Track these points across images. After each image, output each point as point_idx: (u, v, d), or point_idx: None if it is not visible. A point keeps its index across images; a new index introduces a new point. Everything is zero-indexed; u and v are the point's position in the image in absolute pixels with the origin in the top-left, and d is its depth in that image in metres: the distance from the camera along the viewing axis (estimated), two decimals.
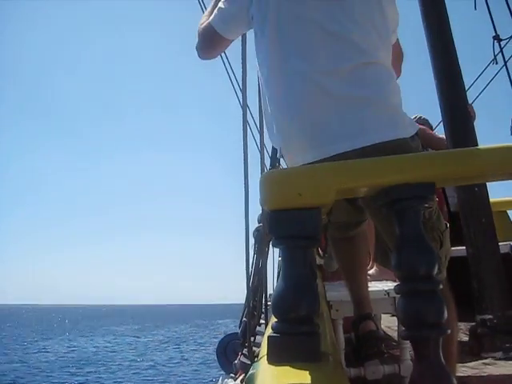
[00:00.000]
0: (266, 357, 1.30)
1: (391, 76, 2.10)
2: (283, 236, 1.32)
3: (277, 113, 2.12)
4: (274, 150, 4.21)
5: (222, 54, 4.49)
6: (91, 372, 24.22)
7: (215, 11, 2.33)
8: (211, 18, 2.35)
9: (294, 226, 1.29)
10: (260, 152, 3.17)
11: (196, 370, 24.59)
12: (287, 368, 1.20)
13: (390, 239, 1.98)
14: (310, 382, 1.09)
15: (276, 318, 1.33)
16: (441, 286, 1.32)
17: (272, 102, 2.16)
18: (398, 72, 2.44)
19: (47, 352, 33.99)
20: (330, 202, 1.32)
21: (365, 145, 1.92)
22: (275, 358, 1.26)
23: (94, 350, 35.58)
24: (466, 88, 4.09)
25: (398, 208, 1.34)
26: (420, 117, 5.91)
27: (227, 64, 4.86)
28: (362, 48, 2.05)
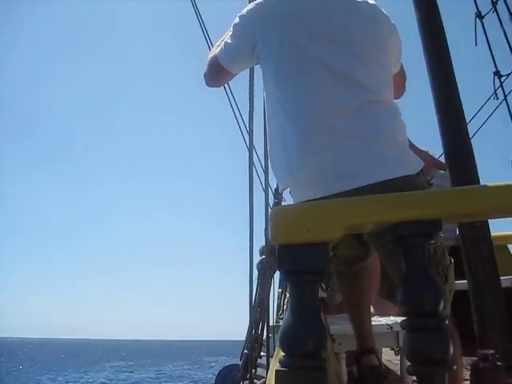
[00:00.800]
0: None
1: (396, 113, 2.13)
2: (292, 271, 1.34)
3: (284, 149, 2.14)
4: (277, 189, 4.25)
5: (230, 95, 4.57)
6: None
7: (222, 45, 2.38)
8: (217, 51, 2.40)
9: (303, 261, 1.31)
10: (264, 191, 3.19)
11: None
12: None
13: (396, 274, 2.00)
14: None
15: (284, 351, 1.34)
16: (446, 322, 1.33)
17: (279, 139, 2.18)
18: (402, 88, 2.50)
19: None
20: (339, 237, 1.34)
21: (371, 182, 1.94)
22: None
23: None
24: (467, 121, 4.11)
25: (404, 244, 1.35)
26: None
27: (234, 106, 4.89)
28: (368, 86, 2.08)
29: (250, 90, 3.15)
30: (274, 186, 4.26)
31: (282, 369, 1.30)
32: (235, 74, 2.57)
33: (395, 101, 2.24)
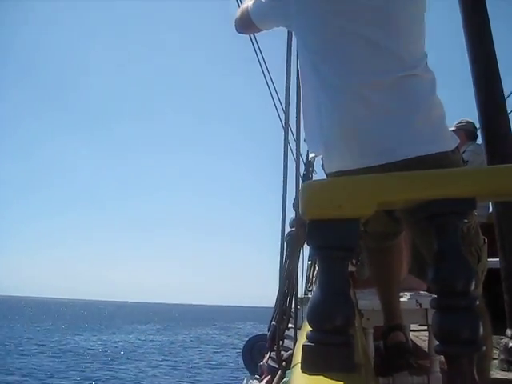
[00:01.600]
0: (299, 365, 1.30)
1: (433, 88, 2.09)
2: (321, 246, 1.33)
3: (319, 120, 2.13)
4: (308, 161, 4.23)
5: (265, 71, 4.61)
6: (120, 367, 24.48)
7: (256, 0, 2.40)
8: (250, 4, 2.43)
9: (333, 237, 1.30)
10: (296, 161, 3.17)
11: (219, 371, 24.64)
12: (321, 378, 1.21)
13: (428, 252, 1.98)
14: None
15: (311, 327, 1.33)
16: (477, 302, 1.31)
17: (314, 109, 2.17)
18: None
19: (77, 346, 34.52)
20: (370, 213, 1.32)
21: (405, 157, 1.92)
22: (309, 367, 1.27)
23: (120, 346, 35.92)
24: (506, 96, 4.04)
25: (437, 222, 1.33)
26: (468, 121, 5.85)
27: (269, 80, 4.87)
28: (405, 60, 2.05)
29: (287, 65, 3.13)
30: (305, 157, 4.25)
31: (309, 344, 1.29)
32: (264, 29, 2.61)
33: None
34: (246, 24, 2.53)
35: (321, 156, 2.24)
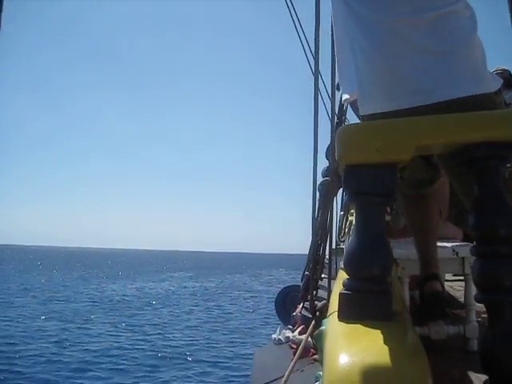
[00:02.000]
0: (336, 313, 1.29)
1: (474, 27, 2.01)
2: (359, 192, 1.30)
3: (353, 58, 2.07)
4: (341, 107, 4.16)
5: (295, 19, 4.50)
6: (154, 313, 25.11)
7: None
8: None
9: (371, 183, 1.26)
10: (331, 105, 3.13)
11: (251, 316, 25.01)
12: (358, 326, 1.19)
13: (468, 199, 1.92)
14: (382, 340, 1.08)
15: (348, 275, 1.31)
16: None
17: (348, 47, 2.11)
18: None
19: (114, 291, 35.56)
20: (408, 158, 1.28)
21: (446, 99, 1.85)
22: (346, 316, 1.25)
23: (154, 292, 36.73)
24: None
25: (478, 167, 1.29)
26: (504, 69, 5.71)
27: (300, 29, 4.77)
28: None
29: (316, 6, 3.05)
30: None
31: (346, 292, 1.27)
32: None
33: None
34: None
35: (354, 99, 2.18)
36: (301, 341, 3.37)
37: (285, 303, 6.70)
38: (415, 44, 1.91)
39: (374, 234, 1.28)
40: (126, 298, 31.54)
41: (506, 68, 5.57)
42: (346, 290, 1.28)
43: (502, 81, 2.01)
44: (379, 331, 1.13)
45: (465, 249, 2.70)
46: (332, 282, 2.84)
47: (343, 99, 2.23)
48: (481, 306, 2.74)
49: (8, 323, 19.42)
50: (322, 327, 1.42)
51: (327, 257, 3.38)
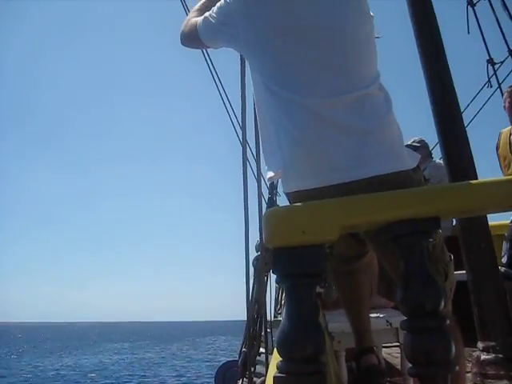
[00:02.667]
0: None
1: (389, 107, 2.09)
2: (287, 274, 1.31)
3: (276, 139, 2.11)
4: (272, 183, 4.21)
5: (221, 91, 4.60)
6: None
7: (205, 16, 2.35)
8: (199, 21, 2.38)
9: (299, 264, 1.28)
10: (257, 183, 3.16)
11: None
12: None
13: (395, 273, 1.96)
14: None
15: (281, 356, 1.31)
16: (447, 322, 1.30)
17: (270, 129, 2.15)
18: None
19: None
20: (334, 238, 1.30)
21: (366, 176, 1.91)
22: None
23: (92, 365, 35.94)
24: (462, 110, 4.08)
25: (402, 243, 1.32)
26: (421, 139, 5.91)
27: (226, 101, 4.86)
28: (358, 79, 2.05)
29: (241, 85, 3.12)
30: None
31: (280, 375, 1.27)
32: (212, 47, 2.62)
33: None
34: (194, 39, 2.46)
35: (278, 177, 2.21)
36: None
37: (225, 379, 6.58)
38: (335, 123, 1.98)
39: (305, 315, 1.29)
40: (62, 372, 30.92)
41: (423, 138, 5.77)
42: (279, 372, 1.27)
43: (419, 157, 2.08)
44: None
45: (397, 319, 2.73)
46: (270, 357, 2.82)
47: (267, 177, 2.26)
48: None
49: None
50: None
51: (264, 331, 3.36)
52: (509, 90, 4.63)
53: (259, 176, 3.16)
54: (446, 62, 3.92)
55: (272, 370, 1.54)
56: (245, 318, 3.69)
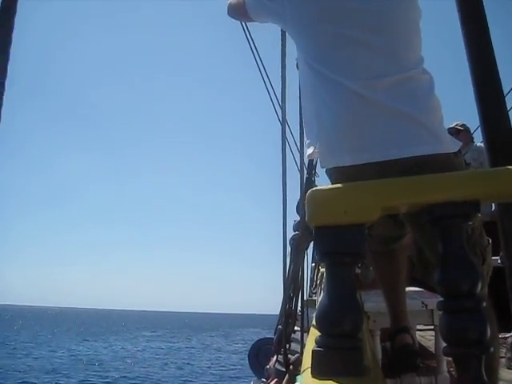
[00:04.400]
0: (309, 370, 1.32)
1: (433, 89, 2.10)
2: (328, 252, 1.34)
3: (317, 116, 2.14)
4: (311, 163, 4.23)
5: (262, 71, 4.60)
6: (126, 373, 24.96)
7: None
8: None
9: (339, 243, 1.31)
10: (300, 160, 3.19)
11: (224, 373, 24.80)
12: (331, 382, 1.22)
13: (433, 255, 1.98)
14: None
15: (320, 332, 1.35)
16: (484, 303, 1.32)
17: (312, 105, 2.18)
18: None
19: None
20: (375, 219, 1.33)
21: (406, 156, 1.92)
22: (319, 372, 1.28)
23: (126, 352, 36.48)
24: (505, 93, 4.03)
25: (441, 226, 1.34)
26: (463, 124, 5.85)
27: (267, 81, 4.86)
28: (403, 63, 2.06)
29: (281, 65, 3.14)
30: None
31: (319, 349, 1.31)
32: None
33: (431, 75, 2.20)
34: (240, 12, 2.53)
35: (317, 152, 2.23)
36: None
37: (258, 356, 6.64)
38: (377, 105, 1.99)
39: (345, 292, 1.32)
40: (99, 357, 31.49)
41: (465, 123, 5.72)
42: (318, 346, 1.31)
43: (460, 143, 2.09)
44: None
45: (433, 300, 2.74)
46: (305, 335, 2.86)
47: (307, 154, 2.28)
48: None
49: None
50: (297, 383, 1.44)
51: (300, 309, 3.40)
52: None
53: (302, 151, 3.19)
54: (490, 41, 3.88)
55: (310, 345, 1.59)
56: (276, 312, 3.74)
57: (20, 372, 23.70)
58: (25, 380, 22.13)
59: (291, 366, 3.17)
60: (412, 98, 2.02)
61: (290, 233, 3.65)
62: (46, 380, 22.34)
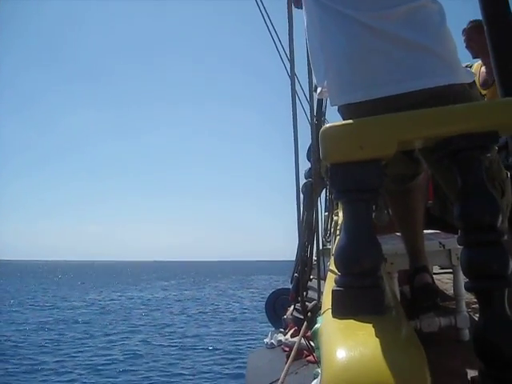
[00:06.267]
0: (329, 311, 1.30)
1: (443, 20, 2.04)
2: (345, 189, 1.32)
3: (323, 49, 2.09)
4: (319, 104, 4.18)
5: (268, 23, 4.53)
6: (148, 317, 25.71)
7: None
8: None
9: (356, 179, 1.29)
10: (310, 107, 3.14)
11: (242, 322, 25.25)
12: (353, 321, 1.21)
13: (452, 190, 1.95)
14: (377, 334, 1.09)
15: (339, 271, 1.33)
16: (505, 236, 1.30)
17: (318, 39, 2.13)
18: None
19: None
20: (392, 153, 1.30)
21: (420, 88, 1.88)
22: (340, 312, 1.27)
23: (148, 300, 37.56)
24: None
25: (460, 158, 1.31)
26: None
27: (273, 32, 4.77)
28: None
29: (288, 11, 3.08)
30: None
31: (339, 288, 1.29)
32: None
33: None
34: None
35: (327, 91, 2.18)
36: (293, 343, 3.39)
37: (275, 307, 6.71)
38: (387, 36, 1.93)
39: (363, 229, 1.31)
40: (121, 304, 32.75)
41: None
42: (337, 286, 1.30)
43: (475, 75, 2.04)
44: (374, 325, 1.15)
45: (451, 241, 2.73)
46: (321, 282, 2.86)
47: (317, 93, 2.24)
48: (470, 297, 2.77)
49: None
50: (317, 325, 1.43)
51: (315, 258, 3.40)
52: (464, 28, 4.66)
53: (311, 98, 3.14)
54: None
55: (329, 288, 1.57)
56: (289, 258, 3.73)
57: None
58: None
59: (309, 313, 3.18)
60: (424, 27, 1.96)
61: (303, 180, 3.63)
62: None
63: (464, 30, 4.64)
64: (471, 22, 4.65)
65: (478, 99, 2.04)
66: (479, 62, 4.72)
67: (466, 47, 4.58)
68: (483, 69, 4.58)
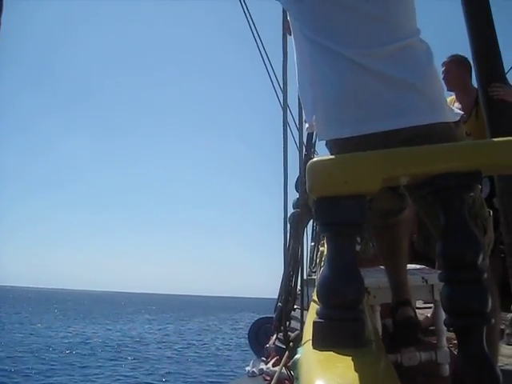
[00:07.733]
0: (310, 342, 1.32)
1: (430, 59, 2.08)
2: (329, 223, 1.33)
3: (312, 86, 2.13)
4: (310, 136, 4.22)
5: (263, 53, 4.57)
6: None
7: None
8: None
9: (340, 214, 1.30)
10: (299, 147, 3.18)
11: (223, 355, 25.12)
12: (332, 354, 1.22)
13: (434, 227, 1.98)
14: (356, 367, 1.11)
15: (321, 303, 1.34)
16: (485, 275, 1.32)
17: (308, 75, 2.17)
18: None
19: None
20: (376, 189, 1.32)
21: (405, 126, 1.91)
22: (320, 344, 1.28)
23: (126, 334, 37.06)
24: (506, 70, 4.04)
25: (444, 196, 1.33)
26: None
27: (267, 63, 4.82)
28: (399, 32, 2.04)
29: (283, 42, 3.12)
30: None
31: (320, 320, 1.30)
32: None
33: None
34: None
35: (315, 126, 2.22)
36: (274, 372, 3.38)
37: (258, 335, 6.68)
38: (375, 73, 1.98)
39: (346, 263, 1.32)
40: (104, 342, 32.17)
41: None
42: (319, 318, 1.31)
43: (461, 114, 2.08)
44: (353, 358, 1.16)
45: (434, 276, 2.75)
46: (304, 312, 2.87)
47: (306, 127, 2.28)
48: (451, 334, 2.79)
49: None
50: (298, 355, 1.44)
51: (299, 288, 3.41)
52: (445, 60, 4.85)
53: (301, 129, 3.18)
54: (491, 17, 3.87)
55: (310, 319, 1.59)
56: (270, 296, 3.75)
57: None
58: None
59: (291, 343, 3.18)
60: (411, 66, 2.00)
61: (290, 210, 3.66)
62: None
63: (444, 63, 4.78)
64: (452, 56, 4.80)
65: (464, 138, 2.08)
66: (453, 96, 4.86)
67: (443, 79, 4.69)
68: (457, 104, 4.68)
